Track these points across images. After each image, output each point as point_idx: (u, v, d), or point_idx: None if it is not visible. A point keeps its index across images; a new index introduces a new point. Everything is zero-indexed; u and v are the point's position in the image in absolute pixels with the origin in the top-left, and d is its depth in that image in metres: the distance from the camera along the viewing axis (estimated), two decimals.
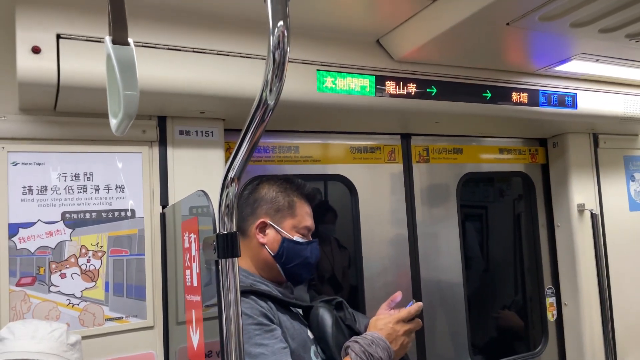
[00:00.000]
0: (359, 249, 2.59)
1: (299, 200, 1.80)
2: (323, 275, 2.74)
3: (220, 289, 1.18)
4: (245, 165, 1.20)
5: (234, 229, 1.19)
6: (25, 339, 1.46)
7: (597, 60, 2.37)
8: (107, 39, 0.89)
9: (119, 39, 0.88)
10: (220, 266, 1.19)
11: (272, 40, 1.05)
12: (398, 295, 1.77)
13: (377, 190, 2.67)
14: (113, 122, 0.97)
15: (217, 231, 1.19)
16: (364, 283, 2.57)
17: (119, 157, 1.89)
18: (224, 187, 1.21)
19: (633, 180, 3.29)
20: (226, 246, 1.17)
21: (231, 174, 1.22)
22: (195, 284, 1.56)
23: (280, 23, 1.05)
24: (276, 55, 1.06)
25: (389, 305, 1.77)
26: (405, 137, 2.78)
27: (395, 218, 2.71)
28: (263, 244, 1.74)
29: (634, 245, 3.22)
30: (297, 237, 1.75)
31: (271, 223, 1.74)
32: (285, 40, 1.06)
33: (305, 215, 1.79)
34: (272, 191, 1.79)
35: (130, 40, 0.90)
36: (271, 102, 1.10)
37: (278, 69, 1.07)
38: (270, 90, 1.09)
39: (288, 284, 1.85)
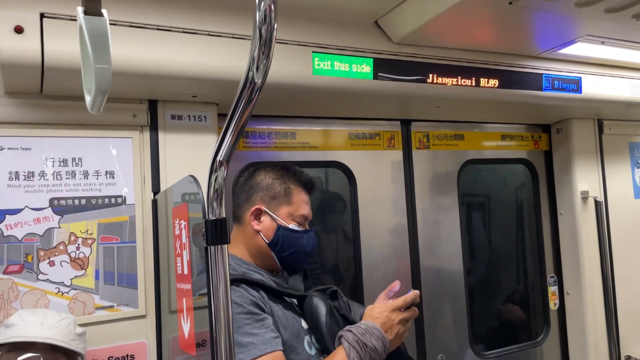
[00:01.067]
0: (358, 238, 2.55)
1: (296, 188, 1.76)
2: (324, 264, 2.69)
3: (209, 276, 1.13)
4: (233, 148, 1.15)
5: (224, 215, 1.15)
6: (34, 325, 1.51)
7: (603, 43, 2.30)
8: (79, 10, 0.83)
9: (92, 10, 0.82)
10: (209, 253, 1.14)
11: (258, 15, 0.99)
12: (396, 285, 1.72)
13: (376, 177, 2.62)
14: (88, 99, 0.91)
15: (206, 217, 1.14)
16: (362, 272, 2.53)
17: (108, 142, 1.84)
18: (212, 170, 1.16)
19: (638, 168, 3.22)
20: (215, 232, 1.13)
21: (219, 157, 1.17)
22: (185, 272, 1.52)
23: None
24: (262, 31, 1.00)
25: (387, 295, 1.73)
26: (405, 123, 2.72)
27: (394, 206, 2.66)
28: (258, 231, 1.70)
29: (638, 233, 3.17)
30: (292, 225, 1.72)
31: (266, 210, 1.70)
32: (273, 15, 1.00)
33: (301, 203, 1.75)
34: (268, 178, 1.75)
35: (104, 11, 0.85)
36: (258, 81, 1.05)
37: (265, 46, 1.02)
38: (257, 68, 1.03)
39: (283, 273, 1.81)
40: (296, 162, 2.41)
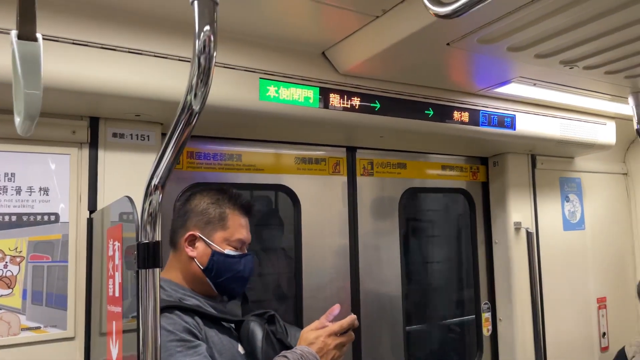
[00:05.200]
0: (300, 260, 2.57)
1: (232, 212, 1.74)
2: (263, 286, 2.69)
3: (139, 300, 1.12)
4: (170, 172, 1.16)
5: (158, 239, 1.15)
6: None
7: (535, 84, 2.45)
8: (13, 33, 0.83)
9: (26, 34, 0.82)
10: (139, 277, 1.13)
11: (198, 44, 1.02)
12: (336, 308, 1.72)
13: (320, 201, 2.66)
14: (17, 120, 0.91)
15: (139, 240, 1.13)
16: (303, 294, 2.54)
17: (45, 157, 1.80)
18: (147, 194, 1.16)
19: (568, 201, 3.42)
20: (147, 256, 1.13)
21: (155, 181, 1.18)
22: (117, 294, 1.49)
23: (207, 28, 1.02)
24: (202, 60, 1.03)
25: (326, 319, 1.73)
26: (351, 150, 2.79)
27: (337, 230, 2.71)
28: (192, 258, 1.68)
29: (567, 263, 3.34)
30: (228, 250, 1.70)
31: (201, 235, 1.68)
32: (212, 45, 1.03)
33: (238, 227, 1.73)
34: (203, 202, 1.72)
35: (38, 35, 0.85)
36: (196, 107, 1.07)
37: (204, 74, 1.04)
38: (195, 95, 1.05)
39: (222, 297, 1.80)
40: (241, 185, 2.43)
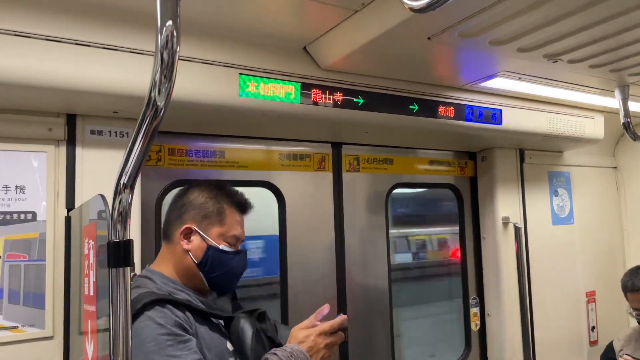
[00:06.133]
0: (285, 257, 2.55)
1: (229, 208, 1.73)
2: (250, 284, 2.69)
3: (110, 299, 1.11)
4: (139, 170, 1.14)
5: (128, 237, 1.13)
6: None
7: (520, 79, 2.44)
8: None
9: None
10: (110, 276, 1.12)
11: (160, 39, 1.00)
12: (325, 308, 1.71)
13: (305, 198, 2.65)
14: None
15: (109, 239, 1.12)
16: (288, 292, 2.53)
17: (20, 155, 1.78)
18: (116, 193, 1.14)
19: (556, 195, 3.41)
20: (117, 255, 1.11)
21: (124, 179, 1.16)
22: (92, 293, 1.48)
23: (169, 23, 1.00)
24: (164, 55, 1.01)
25: (316, 318, 1.72)
26: (336, 146, 2.77)
27: (323, 227, 2.69)
28: (187, 251, 1.66)
29: (555, 258, 3.34)
30: (223, 246, 1.68)
31: (197, 229, 1.67)
32: (175, 40, 1.01)
33: (234, 224, 1.73)
34: (201, 196, 1.71)
35: None
36: (161, 103, 1.05)
37: (167, 69, 1.02)
38: (159, 91, 1.04)
39: (212, 293, 1.78)
40: (224, 181, 2.40)
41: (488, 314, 3.17)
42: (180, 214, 1.70)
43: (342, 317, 1.64)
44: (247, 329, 1.65)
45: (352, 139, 2.75)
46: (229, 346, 1.66)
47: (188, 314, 1.55)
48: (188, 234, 1.68)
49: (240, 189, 1.79)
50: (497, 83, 2.48)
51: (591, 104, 2.98)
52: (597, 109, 3.12)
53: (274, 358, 1.52)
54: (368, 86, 2.25)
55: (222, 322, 1.71)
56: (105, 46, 1.69)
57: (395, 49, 1.98)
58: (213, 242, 1.67)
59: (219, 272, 1.68)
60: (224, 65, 1.92)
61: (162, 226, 1.77)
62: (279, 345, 1.64)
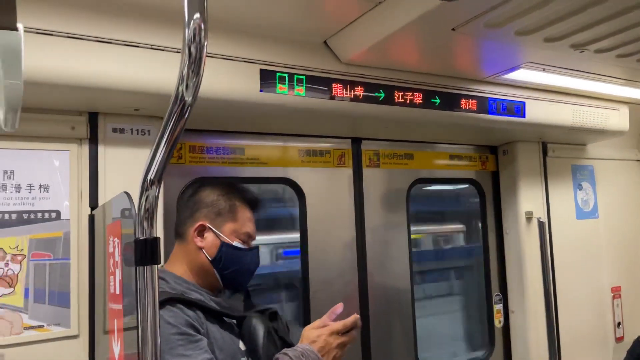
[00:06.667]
0: (306, 254, 2.53)
1: (241, 205, 1.74)
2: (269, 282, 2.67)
3: (137, 297, 1.10)
4: (165, 166, 1.13)
5: (155, 234, 1.12)
6: None
7: (544, 70, 2.39)
8: None
9: (5, 23, 0.79)
10: (137, 273, 1.11)
11: (188, 33, 0.98)
12: (339, 307, 1.69)
13: (325, 194, 2.62)
14: (0, 115, 0.88)
15: (136, 236, 1.11)
16: (310, 289, 2.51)
17: (44, 154, 1.78)
18: (143, 190, 1.13)
19: (580, 189, 3.35)
20: (144, 252, 1.10)
21: (150, 176, 1.15)
22: (117, 291, 1.47)
23: (197, 15, 0.98)
24: (192, 49, 0.99)
25: (329, 317, 1.70)
26: (356, 141, 2.74)
27: (343, 223, 2.67)
28: (201, 248, 1.67)
29: (580, 253, 3.27)
30: (236, 243, 1.70)
31: (210, 226, 1.68)
32: (202, 33, 0.99)
33: (246, 221, 1.74)
34: (213, 194, 1.72)
35: (19, 25, 0.82)
36: (189, 99, 1.04)
37: (195, 64, 1.01)
38: (187, 86, 1.02)
39: (225, 291, 1.78)
40: (245, 178, 2.40)
41: (512, 311, 3.12)
42: (193, 212, 1.71)
43: (354, 317, 1.62)
44: (259, 328, 1.65)
45: (372, 134, 2.72)
46: (242, 346, 1.65)
47: (199, 313, 1.55)
48: (201, 231, 1.68)
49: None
50: (521, 75, 2.43)
51: (616, 95, 2.91)
52: (622, 100, 3.04)
53: (285, 358, 1.51)
54: (389, 80, 2.21)
55: (234, 321, 1.70)
56: (127, 43, 1.68)
57: (418, 41, 1.95)
58: (227, 239, 1.68)
59: (232, 269, 1.69)
60: (245, 61, 1.90)
61: (175, 225, 1.77)
62: (291, 345, 1.63)
